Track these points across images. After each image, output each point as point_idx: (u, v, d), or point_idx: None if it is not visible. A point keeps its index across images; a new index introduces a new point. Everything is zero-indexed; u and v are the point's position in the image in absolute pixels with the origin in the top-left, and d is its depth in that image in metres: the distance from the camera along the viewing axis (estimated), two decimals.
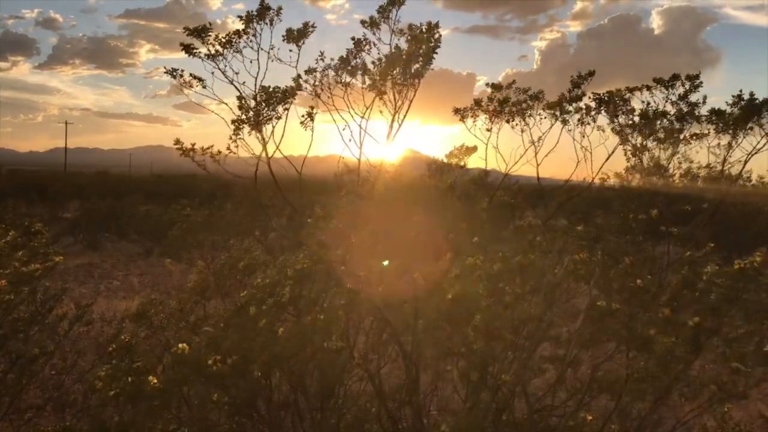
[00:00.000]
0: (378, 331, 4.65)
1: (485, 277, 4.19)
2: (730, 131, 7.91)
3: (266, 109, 4.18)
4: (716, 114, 8.17)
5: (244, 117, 4.11)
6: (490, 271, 4.24)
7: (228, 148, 4.13)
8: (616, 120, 9.52)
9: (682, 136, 9.49)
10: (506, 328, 3.97)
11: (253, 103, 4.17)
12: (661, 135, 9.36)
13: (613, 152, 9.79)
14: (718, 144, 8.94)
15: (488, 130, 9.17)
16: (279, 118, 4.25)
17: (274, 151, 4.21)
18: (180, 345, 3.34)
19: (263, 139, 4.20)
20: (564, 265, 4.60)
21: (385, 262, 4.47)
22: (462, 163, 5.01)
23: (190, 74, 4.09)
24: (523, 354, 4.38)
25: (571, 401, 4.95)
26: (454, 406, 4.65)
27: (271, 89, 4.24)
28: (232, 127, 4.13)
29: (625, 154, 9.96)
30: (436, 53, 4.16)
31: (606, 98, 9.33)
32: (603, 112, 9.46)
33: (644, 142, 9.52)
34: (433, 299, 3.96)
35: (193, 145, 4.14)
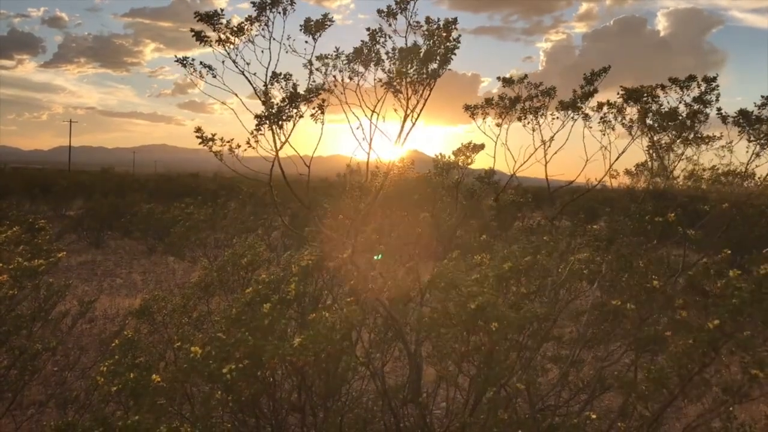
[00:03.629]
0: (382, 330, 4.63)
1: (492, 277, 4.17)
2: (762, 138, 7.84)
3: (289, 106, 4.14)
4: (743, 115, 8.12)
5: (267, 113, 4.07)
6: (499, 271, 4.21)
7: (248, 143, 4.09)
8: (642, 117, 9.47)
9: (698, 134, 9.45)
10: (513, 329, 3.94)
11: (278, 100, 4.13)
12: (686, 134, 9.33)
13: (624, 150, 9.77)
14: (729, 145, 8.94)
15: (498, 125, 9.13)
16: (301, 116, 4.22)
17: (281, 147, 4.18)
18: (192, 348, 3.31)
19: (278, 137, 4.16)
20: (569, 265, 4.58)
21: (378, 256, 4.44)
22: (469, 161, 4.98)
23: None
24: (527, 353, 4.36)
25: (573, 400, 4.93)
26: (457, 405, 4.63)
27: (290, 83, 4.20)
28: (254, 121, 4.08)
29: (648, 152, 9.93)
30: (455, 54, 4.12)
31: (635, 92, 9.29)
32: (626, 107, 9.41)
33: (667, 141, 9.48)
34: (449, 304, 3.92)
35: (214, 135, 4.09)
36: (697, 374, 3.33)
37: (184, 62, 4.08)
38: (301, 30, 4.22)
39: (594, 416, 3.88)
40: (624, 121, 9.60)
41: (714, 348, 3.21)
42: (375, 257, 4.58)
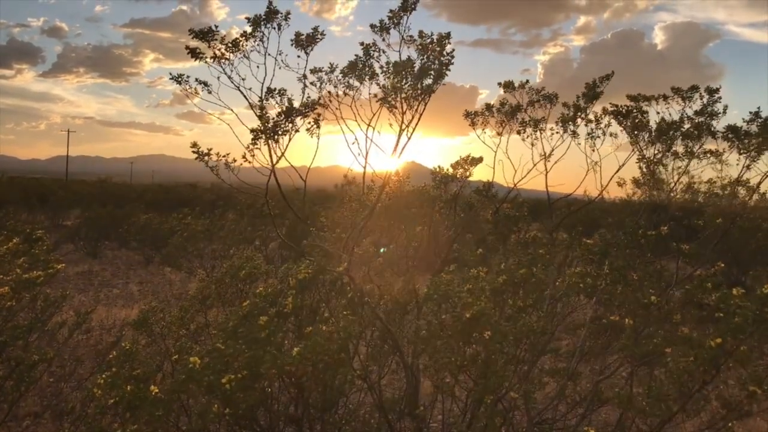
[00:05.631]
0: (379, 342, 4.63)
1: (489, 290, 4.18)
2: (752, 150, 7.91)
3: (285, 121, 4.15)
4: (732, 131, 8.21)
5: (263, 128, 4.08)
6: (494, 284, 4.22)
7: (243, 157, 4.10)
8: (632, 133, 9.51)
9: (697, 147, 9.51)
10: (508, 342, 3.95)
11: (273, 114, 4.15)
12: (680, 148, 9.37)
13: (624, 164, 9.78)
14: (724, 160, 9.00)
15: (498, 134, 9.13)
16: (297, 130, 4.22)
17: (278, 159, 4.19)
18: (191, 359, 3.31)
19: (276, 150, 4.17)
20: (566, 279, 4.59)
21: (382, 249, 4.44)
22: (467, 174, 5.00)
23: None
24: (524, 367, 4.37)
25: (571, 414, 4.93)
26: (454, 418, 4.62)
27: (284, 98, 4.21)
28: (251, 136, 4.09)
29: (640, 168, 9.96)
30: (449, 70, 4.13)
31: (624, 110, 9.33)
32: (619, 123, 9.45)
33: (659, 155, 9.53)
34: (445, 316, 3.93)
35: (210, 149, 4.10)
36: (697, 391, 3.33)
37: (179, 79, 4.08)
38: (292, 45, 4.23)
39: (591, 430, 3.88)
40: (615, 134, 9.65)
41: (715, 366, 3.22)
42: (381, 250, 4.57)
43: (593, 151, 9.48)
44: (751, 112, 8.13)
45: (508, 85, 9.57)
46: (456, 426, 4.29)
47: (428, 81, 4.11)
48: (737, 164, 8.32)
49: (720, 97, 9.34)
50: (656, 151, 9.66)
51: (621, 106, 9.41)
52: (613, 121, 9.50)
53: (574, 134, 9.37)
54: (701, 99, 9.49)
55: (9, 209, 22.37)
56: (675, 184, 10.25)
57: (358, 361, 4.48)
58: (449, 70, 4.12)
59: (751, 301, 3.24)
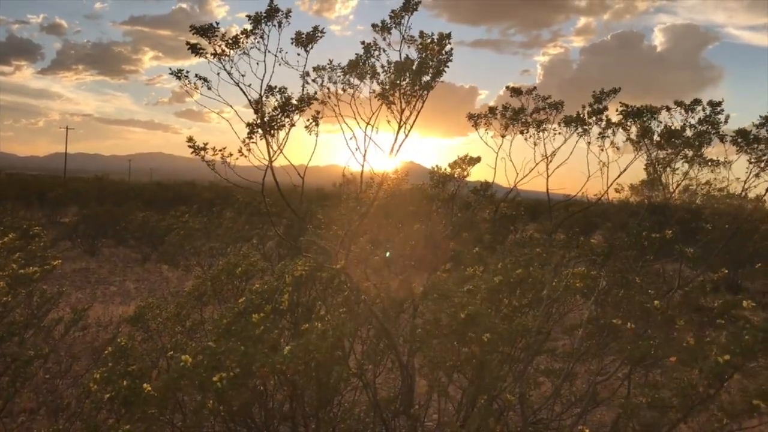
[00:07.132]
0: (374, 340, 4.63)
1: (485, 289, 4.18)
2: (763, 155, 7.94)
3: (281, 115, 4.15)
4: (741, 135, 8.25)
5: (259, 121, 4.08)
6: (491, 284, 4.22)
7: (239, 151, 4.10)
8: (641, 135, 9.57)
9: (703, 153, 9.59)
10: (504, 341, 3.95)
11: (269, 109, 4.15)
12: (687, 152, 9.43)
13: (627, 167, 9.83)
14: (729, 163, 9.07)
15: (502, 136, 9.19)
16: (293, 125, 4.23)
17: (276, 155, 4.19)
18: (183, 357, 3.31)
19: (271, 146, 4.17)
20: (564, 279, 4.59)
21: (387, 254, 4.44)
22: (465, 174, 5.00)
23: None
24: (519, 366, 4.37)
25: (566, 414, 4.93)
26: (449, 418, 4.62)
27: (284, 95, 4.21)
28: (246, 130, 4.09)
29: (646, 169, 10.03)
30: (447, 67, 4.14)
31: (636, 110, 9.37)
32: (628, 125, 9.50)
33: (666, 158, 9.59)
34: (441, 315, 3.93)
35: (206, 144, 4.10)
36: (700, 404, 3.32)
37: (179, 75, 4.08)
38: (292, 43, 4.24)
39: (586, 430, 3.88)
40: (623, 138, 9.71)
41: (720, 381, 3.21)
42: (386, 254, 4.57)
43: (602, 150, 9.56)
44: (761, 116, 8.13)
45: (515, 91, 9.64)
46: (450, 425, 4.29)
47: (426, 78, 4.12)
48: (747, 171, 8.33)
49: (722, 109, 9.47)
50: (665, 155, 9.73)
51: (631, 107, 9.47)
52: (621, 126, 9.58)
53: (585, 132, 9.43)
54: (704, 111, 9.60)
55: (7, 206, 22.32)
56: (675, 187, 10.31)
57: (353, 359, 4.48)
58: (447, 67, 4.14)
59: (760, 313, 3.22)
